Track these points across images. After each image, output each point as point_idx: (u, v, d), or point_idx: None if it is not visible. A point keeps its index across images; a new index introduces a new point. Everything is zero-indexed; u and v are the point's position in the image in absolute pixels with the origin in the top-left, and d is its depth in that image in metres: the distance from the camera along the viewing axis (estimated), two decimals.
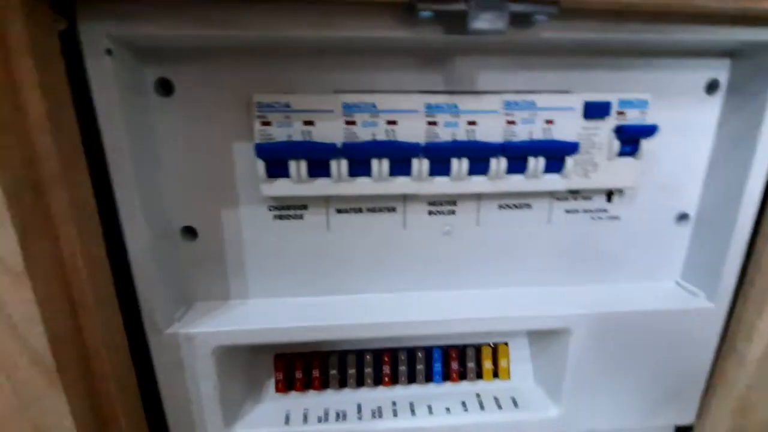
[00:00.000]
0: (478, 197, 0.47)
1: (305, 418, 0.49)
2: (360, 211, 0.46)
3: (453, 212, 0.47)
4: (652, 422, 0.53)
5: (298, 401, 0.51)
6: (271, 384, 0.51)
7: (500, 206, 0.47)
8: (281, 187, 0.42)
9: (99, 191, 0.37)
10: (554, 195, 0.47)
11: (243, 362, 0.49)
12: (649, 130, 0.43)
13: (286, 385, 0.51)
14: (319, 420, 0.49)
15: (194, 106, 0.40)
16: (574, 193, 0.48)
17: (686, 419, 0.54)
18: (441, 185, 0.43)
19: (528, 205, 0.47)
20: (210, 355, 0.43)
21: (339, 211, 0.46)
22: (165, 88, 0.40)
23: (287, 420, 0.49)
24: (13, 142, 0.30)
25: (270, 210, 0.45)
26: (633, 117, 0.44)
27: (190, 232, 0.44)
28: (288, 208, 0.45)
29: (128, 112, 0.36)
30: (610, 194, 0.48)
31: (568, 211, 0.48)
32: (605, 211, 0.48)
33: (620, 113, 0.44)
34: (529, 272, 0.50)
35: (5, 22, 0.29)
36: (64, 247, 0.34)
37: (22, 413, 0.34)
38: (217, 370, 0.44)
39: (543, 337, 0.51)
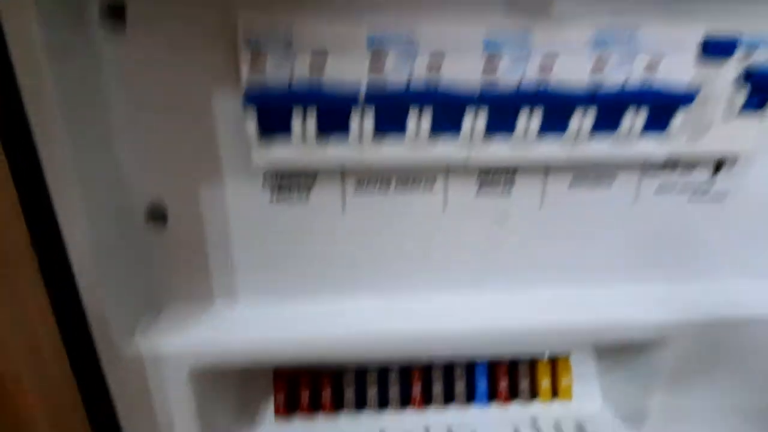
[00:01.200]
0: (545, 172, 0.35)
1: None
2: (387, 187, 0.34)
3: (509, 192, 0.35)
4: None
5: (304, 428, 0.41)
6: (270, 406, 0.41)
7: (571, 184, 0.36)
8: (280, 152, 0.30)
9: (24, 170, 0.26)
10: (644, 168, 0.36)
11: (231, 382, 0.38)
12: None
13: (288, 408, 0.41)
14: None
15: (157, 41, 0.29)
16: (671, 166, 0.36)
17: None
18: (499, 150, 0.32)
19: (608, 182, 0.36)
20: (186, 379, 0.33)
21: (358, 187, 0.34)
22: (116, 17, 0.28)
23: None
24: None
25: (265, 188, 0.33)
26: (762, 59, 0.32)
27: (157, 214, 0.33)
28: (290, 186, 0.33)
29: (60, 57, 0.25)
30: (718, 165, 0.36)
31: (660, 188, 0.36)
32: (709, 187, 0.37)
33: (746, 55, 0.32)
34: (606, 268, 0.39)
35: None
36: None
37: None
38: (196, 397, 0.34)
39: (619, 349, 0.40)
